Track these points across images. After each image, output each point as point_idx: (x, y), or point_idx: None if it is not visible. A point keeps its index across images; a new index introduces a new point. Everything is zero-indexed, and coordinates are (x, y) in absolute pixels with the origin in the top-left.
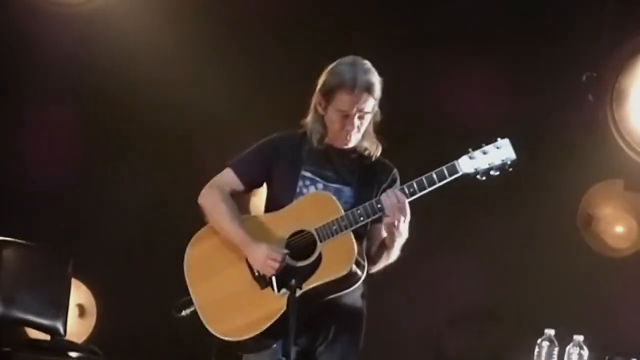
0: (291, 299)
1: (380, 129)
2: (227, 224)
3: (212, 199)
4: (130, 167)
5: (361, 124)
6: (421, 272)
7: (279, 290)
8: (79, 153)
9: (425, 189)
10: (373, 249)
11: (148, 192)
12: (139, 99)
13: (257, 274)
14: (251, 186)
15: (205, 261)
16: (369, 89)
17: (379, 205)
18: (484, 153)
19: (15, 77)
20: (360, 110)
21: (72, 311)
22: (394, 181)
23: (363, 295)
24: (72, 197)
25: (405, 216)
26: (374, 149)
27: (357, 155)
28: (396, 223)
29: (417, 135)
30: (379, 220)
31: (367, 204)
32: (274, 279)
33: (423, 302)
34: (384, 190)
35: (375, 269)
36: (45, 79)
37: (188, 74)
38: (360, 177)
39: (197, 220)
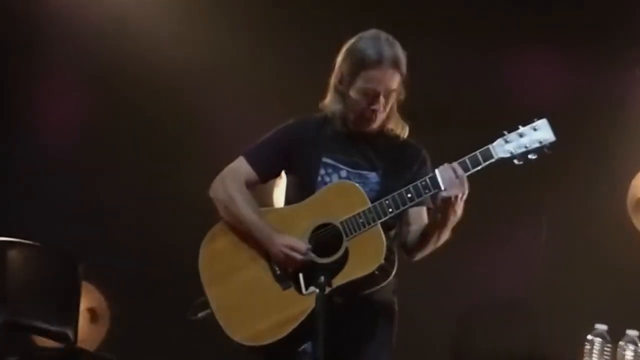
0: (320, 298)
1: (414, 111)
2: (244, 215)
3: (224, 190)
4: (142, 162)
5: (387, 102)
6: (458, 258)
7: (306, 288)
8: (89, 150)
9: (436, 185)
10: (412, 236)
11: (161, 187)
12: (144, 92)
13: (278, 272)
14: (267, 176)
15: (221, 260)
16: (395, 63)
17: (427, 182)
18: (520, 135)
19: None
20: (386, 88)
21: (83, 316)
22: (423, 162)
23: (394, 291)
24: (81, 196)
25: (464, 191)
26: (400, 129)
27: (382, 138)
28: (453, 199)
29: (455, 118)
30: (418, 203)
31: (396, 194)
32: (301, 276)
33: (459, 292)
34: (416, 174)
35: (419, 256)
36: (59, 75)
37: (203, 56)
38: (387, 161)
39: (213, 216)
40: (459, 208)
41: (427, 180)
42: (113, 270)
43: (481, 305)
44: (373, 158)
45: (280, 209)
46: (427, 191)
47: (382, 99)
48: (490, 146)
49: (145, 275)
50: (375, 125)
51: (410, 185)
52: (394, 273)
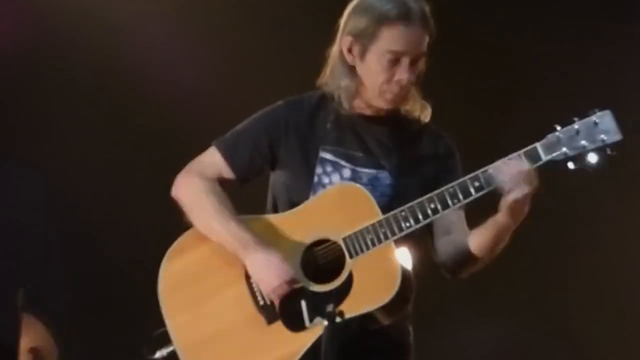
0: (327, 333)
1: (438, 90)
2: (217, 222)
3: (190, 190)
4: (93, 162)
5: (414, 71)
6: (503, 277)
7: (310, 320)
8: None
9: (493, 183)
10: (456, 248)
11: (116, 194)
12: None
13: (261, 300)
14: (245, 174)
15: (188, 281)
16: (424, 20)
17: (482, 182)
18: (577, 132)
19: None
20: (416, 51)
21: (24, 358)
22: (449, 155)
23: (409, 319)
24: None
25: (534, 185)
26: (420, 111)
27: (396, 123)
28: (522, 197)
29: (494, 102)
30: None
31: (415, 204)
32: (303, 305)
33: (498, 316)
34: (440, 171)
35: (469, 272)
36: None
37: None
38: (403, 156)
39: (180, 224)
40: (527, 206)
41: (474, 180)
42: (61, 299)
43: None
44: (383, 152)
45: (265, 217)
46: (470, 194)
47: (408, 66)
48: (537, 145)
49: (99, 304)
50: (399, 103)
51: (437, 193)
52: (411, 300)
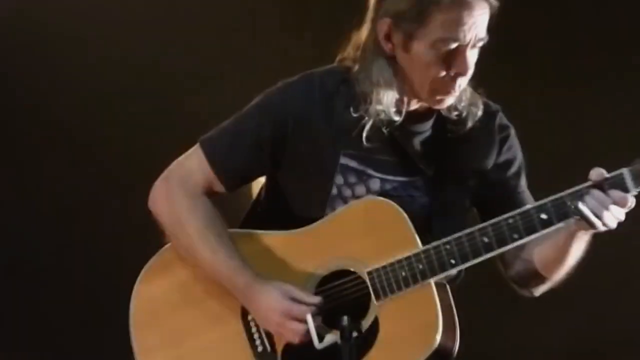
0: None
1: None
2: (207, 251)
3: (170, 207)
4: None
5: (473, 60)
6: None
7: (320, 339)
8: None
9: (567, 216)
10: (532, 263)
11: (80, 195)
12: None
13: (260, 347)
14: (237, 182)
15: (165, 316)
16: None
17: (552, 215)
18: None
19: None
20: (476, 35)
21: None
22: (504, 139)
23: None
24: None
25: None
26: (468, 106)
27: (439, 123)
28: (600, 228)
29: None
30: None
31: (464, 235)
32: (309, 321)
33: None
34: (498, 180)
35: (547, 287)
36: None
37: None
38: (449, 159)
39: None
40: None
41: (541, 211)
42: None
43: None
44: (426, 154)
45: (264, 234)
46: (535, 230)
47: (468, 55)
48: (623, 171)
49: (59, 335)
50: (452, 99)
51: (493, 223)
52: (455, 349)
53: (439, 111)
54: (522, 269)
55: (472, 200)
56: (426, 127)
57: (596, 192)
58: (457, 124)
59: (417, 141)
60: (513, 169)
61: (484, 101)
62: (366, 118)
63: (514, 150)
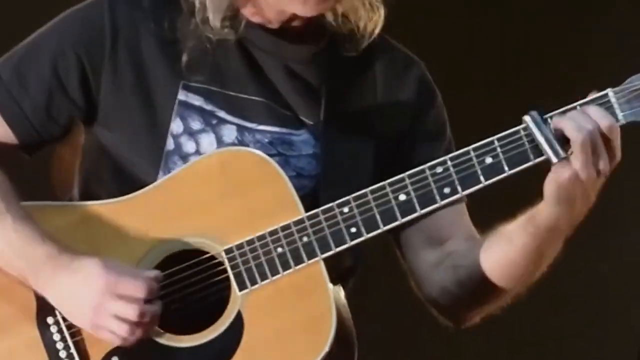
0: None
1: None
2: None
3: None
4: None
5: None
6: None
7: None
8: None
9: (523, 161)
10: (453, 273)
11: None
12: None
13: (64, 351)
14: (38, 137)
15: None
16: None
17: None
18: None
19: None
20: None
21: None
22: (430, 98)
23: None
24: None
25: (618, 156)
26: (365, 18)
27: (323, 44)
28: (588, 178)
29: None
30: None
31: (369, 192)
32: None
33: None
34: (410, 129)
35: (487, 311)
36: None
37: None
38: (339, 102)
39: None
40: (596, 191)
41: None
42: None
43: None
44: (306, 95)
45: (79, 206)
46: (480, 181)
47: None
48: (609, 92)
49: None
50: (328, 3)
51: (412, 173)
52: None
53: (321, 26)
54: (455, 284)
55: (379, 162)
56: (305, 52)
57: (574, 114)
58: (348, 40)
59: (292, 73)
60: (439, 143)
61: (402, 49)
62: (201, 24)
63: (443, 121)
